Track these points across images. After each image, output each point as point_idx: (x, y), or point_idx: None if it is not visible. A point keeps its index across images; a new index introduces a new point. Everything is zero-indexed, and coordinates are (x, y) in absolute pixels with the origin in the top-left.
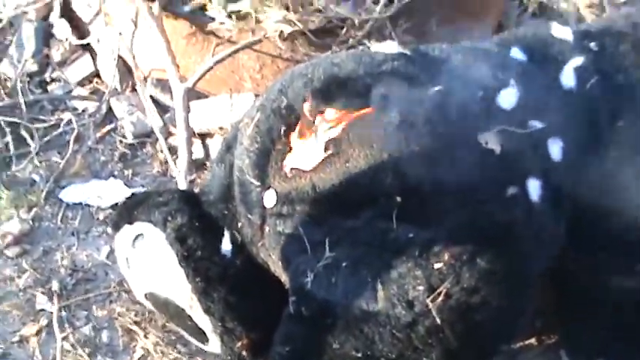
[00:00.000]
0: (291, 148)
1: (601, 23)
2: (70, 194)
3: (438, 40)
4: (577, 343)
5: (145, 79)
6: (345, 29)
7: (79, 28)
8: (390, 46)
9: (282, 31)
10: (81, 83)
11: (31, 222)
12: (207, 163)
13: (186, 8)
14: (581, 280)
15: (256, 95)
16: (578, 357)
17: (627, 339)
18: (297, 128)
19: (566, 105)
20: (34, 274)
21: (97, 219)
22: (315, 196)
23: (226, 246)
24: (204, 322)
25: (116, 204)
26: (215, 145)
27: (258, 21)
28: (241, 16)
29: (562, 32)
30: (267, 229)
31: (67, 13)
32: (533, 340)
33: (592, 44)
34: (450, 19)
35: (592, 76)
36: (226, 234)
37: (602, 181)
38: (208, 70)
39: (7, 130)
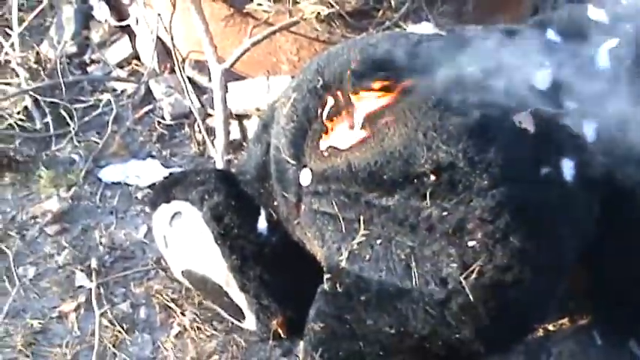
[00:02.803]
0: (327, 128)
1: (636, 5)
2: (108, 174)
3: (474, 23)
4: (610, 324)
5: (184, 60)
6: (381, 11)
7: (118, 10)
8: (426, 27)
9: (319, 13)
10: (120, 65)
11: (70, 201)
12: (245, 144)
13: None
14: (615, 261)
15: (293, 77)
16: (611, 338)
17: None
18: (334, 108)
19: (602, 86)
20: (73, 251)
21: (135, 198)
22: (351, 174)
23: (262, 224)
24: (240, 299)
25: (154, 183)
26: (252, 127)
27: (295, 2)
28: None
29: (597, 14)
30: (302, 207)
31: None
32: (565, 321)
33: (627, 26)
34: (486, 1)
35: (627, 57)
36: (262, 212)
37: (637, 162)
38: (245, 52)
39: (47, 110)
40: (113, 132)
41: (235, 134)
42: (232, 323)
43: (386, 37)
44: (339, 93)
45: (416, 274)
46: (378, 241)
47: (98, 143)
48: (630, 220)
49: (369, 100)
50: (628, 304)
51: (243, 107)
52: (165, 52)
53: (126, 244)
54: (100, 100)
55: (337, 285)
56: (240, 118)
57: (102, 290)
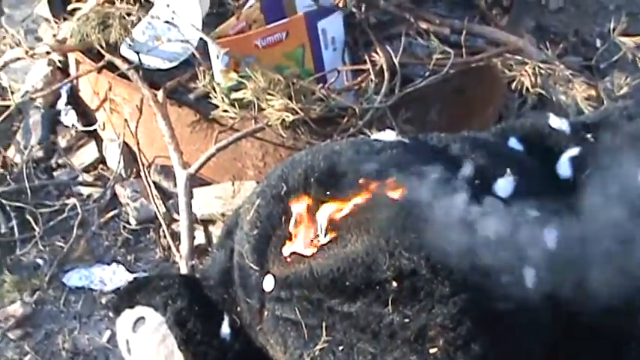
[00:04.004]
0: (291, 234)
1: (597, 115)
2: (73, 278)
3: (438, 130)
4: None
5: (149, 165)
6: (346, 118)
7: (85, 115)
8: (389, 135)
9: (284, 120)
10: (86, 169)
11: (33, 305)
12: (209, 249)
13: (191, 96)
14: None
15: (258, 183)
16: None
17: None
18: (298, 214)
19: (562, 195)
20: (36, 356)
21: (100, 303)
22: (313, 281)
23: (225, 330)
24: None
25: (118, 288)
26: (217, 232)
27: (260, 109)
28: (244, 105)
29: (559, 123)
30: (265, 313)
31: (74, 100)
32: None
33: (588, 135)
34: (450, 109)
35: (587, 166)
36: (226, 318)
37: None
38: (211, 157)
39: (13, 214)
40: (78, 236)
41: (200, 239)
42: None
43: (349, 144)
44: (302, 200)
45: None
46: (340, 348)
47: (63, 248)
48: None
49: (332, 208)
50: None
51: (209, 212)
52: (131, 156)
53: (89, 349)
54: (66, 205)
55: None
56: (205, 223)
57: None
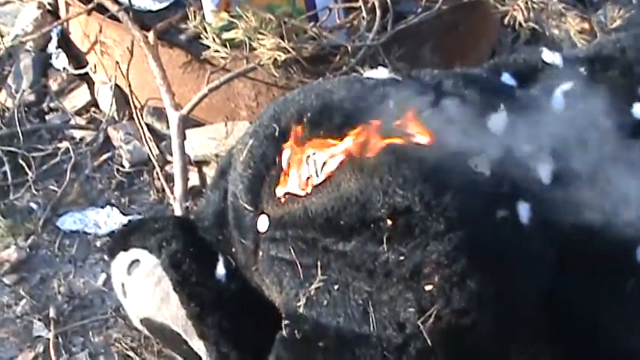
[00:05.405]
0: (284, 174)
1: (590, 48)
2: (67, 222)
3: (431, 67)
4: None
5: (142, 107)
6: (338, 56)
7: (76, 57)
8: (382, 72)
9: (276, 59)
10: (78, 112)
11: (28, 250)
12: (204, 191)
13: (182, 37)
14: (576, 310)
15: (251, 123)
16: None
17: None
18: (291, 154)
19: (556, 129)
20: (31, 301)
21: (94, 246)
22: (307, 220)
23: (221, 271)
24: (199, 346)
25: (113, 231)
26: (211, 173)
27: (252, 49)
28: (235, 45)
29: (552, 58)
30: (260, 253)
31: (65, 43)
32: None
33: (581, 69)
34: (443, 45)
35: (581, 99)
36: (221, 259)
37: (588, 203)
38: (203, 98)
39: (5, 159)
40: (72, 180)
41: (194, 181)
42: None
43: (342, 83)
44: (295, 139)
45: (373, 319)
46: (336, 287)
47: (56, 192)
48: (580, 264)
49: (325, 146)
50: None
51: (202, 154)
52: (123, 99)
53: (84, 292)
54: (59, 149)
55: (295, 331)
56: (199, 164)
57: (60, 340)
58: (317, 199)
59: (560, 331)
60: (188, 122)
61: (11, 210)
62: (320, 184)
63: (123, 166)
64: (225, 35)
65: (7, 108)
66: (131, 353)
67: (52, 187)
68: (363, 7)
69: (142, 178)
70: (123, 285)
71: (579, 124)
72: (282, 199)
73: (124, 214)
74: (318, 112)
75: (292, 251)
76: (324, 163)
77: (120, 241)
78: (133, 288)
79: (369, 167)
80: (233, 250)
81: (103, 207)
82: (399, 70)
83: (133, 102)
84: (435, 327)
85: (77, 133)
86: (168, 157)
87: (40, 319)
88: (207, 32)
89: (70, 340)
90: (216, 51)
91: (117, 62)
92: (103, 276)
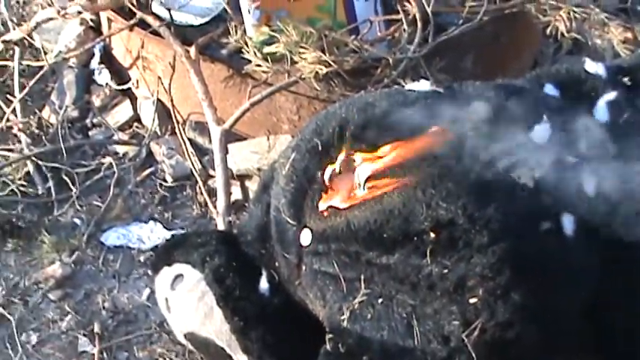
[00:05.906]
0: (327, 188)
1: (634, 58)
2: (110, 237)
3: (473, 78)
4: None
5: (184, 122)
6: (379, 69)
7: (118, 73)
8: (424, 85)
9: (317, 72)
10: (121, 128)
11: (72, 265)
12: (246, 205)
13: (223, 52)
14: (619, 321)
15: (293, 137)
16: None
17: None
18: (334, 168)
19: (600, 139)
20: (76, 316)
21: (138, 261)
22: (350, 233)
23: (264, 285)
24: None
25: (156, 246)
26: (254, 187)
27: (293, 62)
28: (277, 59)
29: (595, 68)
30: (303, 267)
31: (107, 59)
32: None
33: (625, 79)
34: (485, 57)
35: (625, 110)
36: (264, 273)
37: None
38: (245, 112)
39: (49, 175)
40: (115, 195)
41: (237, 195)
42: None
43: (384, 95)
44: (338, 152)
45: (418, 332)
46: (379, 300)
47: (100, 207)
48: (630, 276)
49: (367, 160)
50: None
51: (245, 168)
52: (165, 114)
53: (129, 307)
54: (102, 164)
55: (339, 345)
56: (241, 178)
57: (105, 355)
58: (360, 213)
59: (602, 342)
60: (230, 136)
61: (55, 226)
62: (363, 197)
63: (165, 181)
64: (267, 49)
65: (51, 124)
66: None
67: (95, 202)
68: (404, 20)
69: (184, 193)
70: (167, 300)
71: (623, 134)
72: (325, 213)
73: (167, 229)
74: (361, 125)
75: (335, 265)
76: (368, 177)
77: (163, 256)
78: (176, 303)
79: (412, 179)
80: (276, 264)
81: (146, 222)
82: (441, 82)
83: (175, 117)
84: (479, 340)
85: (120, 149)
86: (211, 172)
87: (84, 335)
88: (248, 46)
89: (115, 355)
90: (258, 65)
91: (159, 77)
92: (147, 291)
